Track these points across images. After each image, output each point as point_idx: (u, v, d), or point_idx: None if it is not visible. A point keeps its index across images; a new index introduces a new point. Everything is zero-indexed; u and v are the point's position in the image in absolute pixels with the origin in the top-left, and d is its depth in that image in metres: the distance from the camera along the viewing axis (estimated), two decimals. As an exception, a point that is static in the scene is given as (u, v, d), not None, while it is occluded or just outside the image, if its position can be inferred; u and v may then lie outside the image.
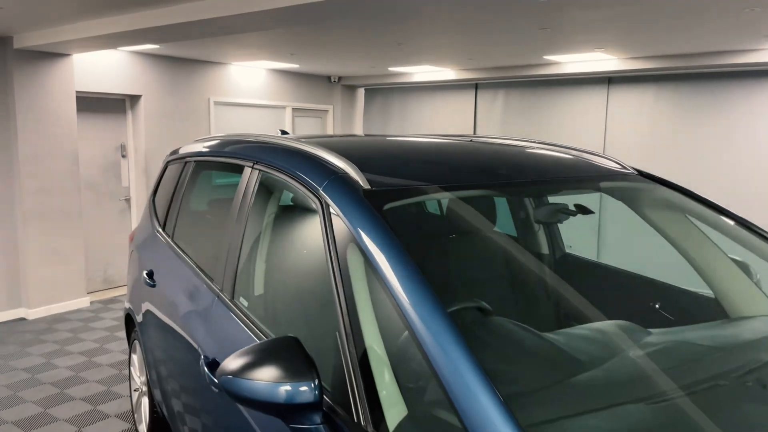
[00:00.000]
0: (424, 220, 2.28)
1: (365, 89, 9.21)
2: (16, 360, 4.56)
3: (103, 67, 6.14)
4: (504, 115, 7.98)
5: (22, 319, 5.57)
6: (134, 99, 6.57)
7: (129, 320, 3.48)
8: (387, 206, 1.64)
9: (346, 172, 1.76)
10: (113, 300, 6.19)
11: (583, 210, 2.28)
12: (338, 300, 1.51)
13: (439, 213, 2.38)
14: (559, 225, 2.83)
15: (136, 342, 3.32)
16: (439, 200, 2.20)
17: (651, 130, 6.94)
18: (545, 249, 2.74)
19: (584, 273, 2.63)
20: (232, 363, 1.40)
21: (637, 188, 2.29)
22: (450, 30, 4.93)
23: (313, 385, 1.35)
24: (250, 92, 7.64)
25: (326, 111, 8.83)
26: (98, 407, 3.81)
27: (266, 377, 1.36)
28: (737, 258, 2.30)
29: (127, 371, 4.34)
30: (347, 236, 1.57)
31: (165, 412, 2.82)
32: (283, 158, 2.02)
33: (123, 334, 5.12)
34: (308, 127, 8.58)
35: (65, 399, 3.91)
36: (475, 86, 8.17)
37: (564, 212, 2.31)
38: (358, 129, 9.24)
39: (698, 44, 5.46)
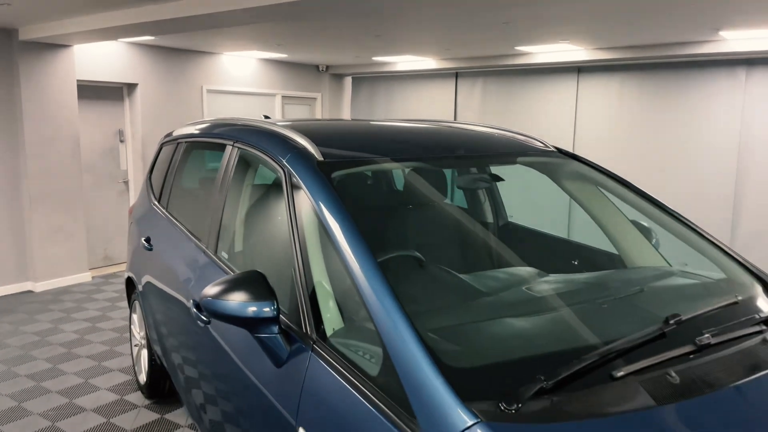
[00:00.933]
0: (369, 186, 2.73)
1: (352, 78, 9.62)
2: (26, 326, 5.02)
3: (102, 58, 6.55)
4: (482, 103, 8.42)
5: (30, 292, 6.02)
6: (131, 87, 6.98)
7: (130, 285, 3.93)
8: (335, 174, 2.08)
9: (305, 147, 2.20)
10: (113, 275, 6.64)
11: (496, 178, 2.73)
12: (295, 247, 1.96)
13: (382, 181, 2.82)
14: (502, 196, 3.30)
15: (136, 302, 3.77)
16: (381, 170, 2.64)
17: (617, 117, 7.40)
18: (488, 216, 3.19)
19: (516, 236, 3.08)
20: (212, 289, 1.85)
21: (557, 163, 2.73)
22: (423, 23, 5.35)
23: (272, 305, 1.80)
24: (241, 81, 8.06)
25: (315, 99, 9.25)
26: (102, 363, 4.27)
27: (237, 299, 1.81)
28: (643, 223, 2.74)
29: (127, 334, 4.79)
30: (304, 198, 2.01)
31: (161, 358, 3.28)
32: (256, 137, 2.46)
33: (124, 304, 5.58)
34: (297, 114, 8.99)
35: (72, 357, 4.37)
36: (456, 75, 8.59)
37: (482, 180, 2.76)
38: (346, 116, 9.66)
39: (658, 35, 5.89)
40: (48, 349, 4.52)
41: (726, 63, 6.64)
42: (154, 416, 3.52)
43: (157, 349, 3.32)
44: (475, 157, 2.55)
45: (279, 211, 2.20)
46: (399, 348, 1.49)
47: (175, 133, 3.63)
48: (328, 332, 1.76)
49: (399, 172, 2.62)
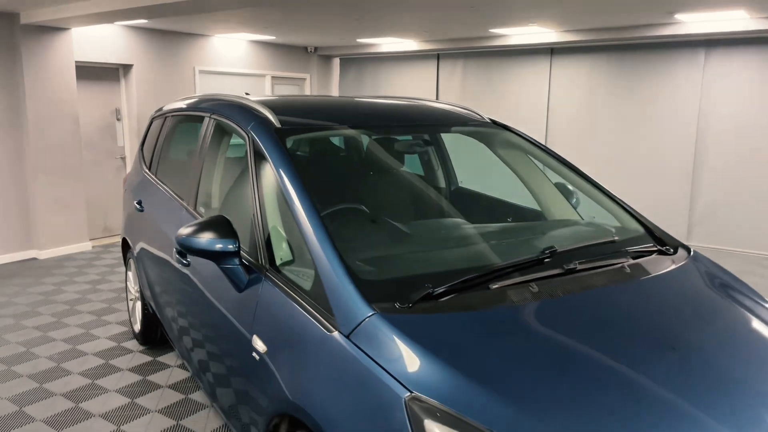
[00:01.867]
0: (321, 149, 3.17)
1: (340, 59, 10.00)
2: (32, 287, 5.49)
3: (99, 40, 6.95)
4: (463, 83, 8.82)
5: (34, 259, 6.49)
6: (127, 68, 7.38)
7: (125, 246, 4.38)
8: (289, 138, 2.52)
9: (266, 117, 2.63)
10: (112, 245, 7.10)
11: (427, 143, 3.18)
12: (255, 198, 2.41)
13: (334, 145, 3.26)
14: (453, 163, 3.74)
15: (131, 260, 4.23)
16: (332, 135, 3.08)
17: (587, 96, 7.81)
18: (440, 181, 3.63)
19: (460, 197, 3.52)
20: (186, 229, 2.30)
21: (491, 132, 3.17)
22: (399, 6, 5.73)
23: (234, 243, 2.24)
24: (232, 62, 8.45)
25: (304, 79, 9.64)
26: (101, 317, 4.74)
27: (206, 237, 2.26)
28: (567, 185, 3.17)
29: (124, 294, 5.26)
30: (263, 158, 2.44)
31: (153, 307, 3.74)
32: (227, 110, 2.90)
33: (122, 269, 6.04)
34: (285, 93, 9.39)
35: (74, 313, 4.85)
36: (437, 56, 8.98)
37: (417, 145, 3.20)
38: (334, 95, 10.05)
39: (620, 19, 6.28)
40: (52, 306, 4.99)
41: (687, 44, 7.03)
42: (147, 359, 3.99)
43: (149, 299, 3.78)
44: (417, 125, 2.99)
45: (244, 170, 2.64)
46: (326, 268, 1.94)
47: (164, 109, 4.06)
48: (278, 262, 2.22)
49: (350, 138, 3.06)
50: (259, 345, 2.11)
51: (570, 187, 3.14)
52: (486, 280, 1.99)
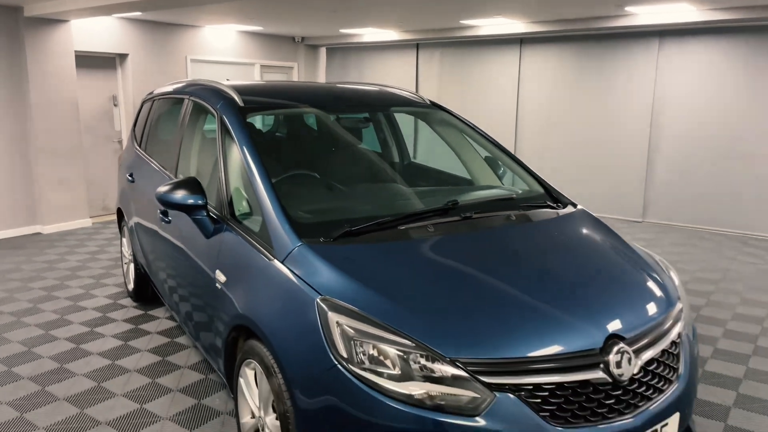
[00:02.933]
0: (283, 126, 3.72)
1: (326, 48, 10.51)
2: (37, 257, 6.06)
3: (97, 31, 7.48)
4: (440, 72, 9.34)
5: (38, 233, 7.06)
6: (123, 57, 7.92)
7: (120, 215, 4.94)
8: (249, 115, 3.07)
9: (232, 98, 3.17)
10: (111, 222, 7.67)
11: (368, 120, 3.73)
12: (221, 164, 2.96)
13: (292, 122, 3.80)
14: (406, 141, 4.28)
15: (124, 228, 4.79)
16: (289, 114, 3.63)
17: (553, 83, 8.34)
18: (394, 155, 4.16)
19: (408, 168, 4.07)
20: (164, 187, 2.85)
21: (429, 112, 3.71)
22: None
23: (202, 198, 2.80)
24: (223, 51, 8.97)
25: (291, 68, 10.16)
26: (100, 281, 5.32)
27: (180, 193, 2.82)
28: (494, 158, 3.71)
29: (120, 262, 5.82)
30: (228, 132, 2.99)
31: (144, 267, 4.31)
32: (202, 92, 3.44)
33: (118, 242, 6.60)
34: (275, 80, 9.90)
35: (75, 277, 5.42)
36: (417, 46, 9.49)
37: (361, 123, 3.75)
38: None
39: (577, 11, 6.78)
40: (55, 272, 5.56)
41: (641, 35, 7.56)
42: (140, 312, 4.57)
43: (141, 260, 4.34)
44: (365, 106, 3.56)
45: (214, 142, 3.19)
46: (270, 214, 2.51)
47: (153, 93, 4.60)
48: (237, 214, 2.78)
49: (306, 115, 3.61)
50: (221, 277, 2.68)
51: (498, 161, 3.68)
52: (395, 223, 2.55)
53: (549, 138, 8.50)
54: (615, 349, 2.03)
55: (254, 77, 9.51)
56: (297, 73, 10.22)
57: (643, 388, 2.09)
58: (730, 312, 4.66)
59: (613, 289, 2.34)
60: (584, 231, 2.84)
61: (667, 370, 2.20)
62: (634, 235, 7.15)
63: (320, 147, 3.57)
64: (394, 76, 9.80)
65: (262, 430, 2.43)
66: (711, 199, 7.38)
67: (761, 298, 4.97)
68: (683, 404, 2.20)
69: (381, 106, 3.72)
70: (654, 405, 2.09)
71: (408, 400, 1.90)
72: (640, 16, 6.93)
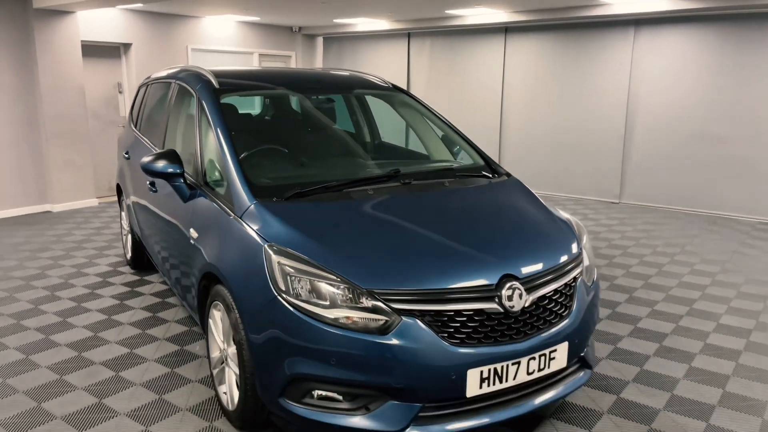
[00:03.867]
0: (254, 106, 4.15)
1: (323, 38, 10.91)
2: (47, 231, 6.57)
3: (102, 21, 7.94)
4: (430, 60, 9.71)
5: (49, 211, 7.57)
6: (126, 46, 8.38)
7: (119, 191, 5.41)
8: (223, 96, 3.50)
9: (209, 80, 3.61)
10: (115, 202, 8.17)
11: (331, 101, 4.15)
12: (197, 138, 3.40)
13: (266, 103, 4.23)
14: (377, 121, 4.69)
15: (123, 202, 5.26)
16: (262, 95, 4.05)
17: (535, 71, 8.70)
18: (365, 135, 4.57)
19: (375, 146, 4.48)
20: (147, 158, 3.30)
21: (392, 94, 4.12)
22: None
23: (179, 167, 3.24)
24: (222, 41, 9.41)
25: (289, 56, 10.58)
26: (103, 252, 5.81)
27: (161, 163, 3.26)
28: (449, 137, 4.11)
29: (122, 239, 6.30)
30: (204, 110, 3.42)
31: (138, 235, 4.77)
32: (185, 75, 3.88)
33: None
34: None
35: (81, 249, 5.91)
36: (408, 35, 9.87)
37: (326, 102, 4.17)
38: (318, 71, 10.98)
39: (561, 0, 7.11)
40: (63, 244, 6.06)
41: (618, 24, 7.89)
42: (136, 278, 5.05)
43: (136, 230, 4.81)
44: (330, 88, 3.99)
45: (193, 120, 3.62)
46: (233, 178, 2.95)
47: (150, 78, 5.05)
48: (208, 180, 3.22)
49: (277, 97, 4.04)
50: (194, 234, 3.13)
51: (453, 139, 4.07)
52: (340, 187, 2.98)
53: (531, 122, 8.86)
54: (507, 285, 2.46)
55: (253, 66, 9.94)
56: (295, 61, 10.64)
57: (534, 320, 2.51)
58: (675, 280, 5.04)
59: (516, 238, 2.77)
60: (507, 195, 3.26)
61: (559, 307, 2.62)
62: (609, 215, 7.52)
63: (288, 124, 4.00)
64: (386, 64, 10.20)
65: (225, 360, 2.88)
66: (683, 181, 7.72)
67: (709, 269, 5.35)
68: (573, 336, 2.62)
69: (346, 89, 4.14)
70: (543, 334, 2.52)
71: (334, 323, 2.33)
72: (616, 5, 7.26)
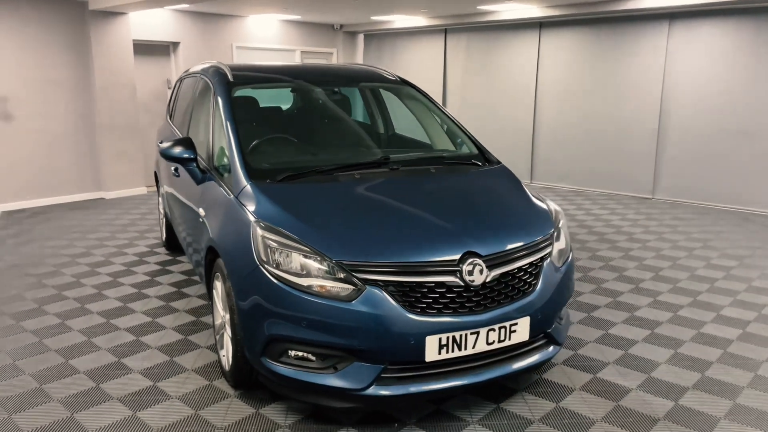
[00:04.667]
0: (265, 98, 4.45)
1: (364, 35, 11.20)
2: (98, 215, 7.13)
3: (152, 22, 8.49)
4: (466, 55, 9.84)
5: (102, 198, 8.19)
6: (175, 45, 8.92)
7: (156, 178, 5.86)
8: (235, 89, 3.81)
9: (225, 74, 3.93)
10: (163, 190, 8.72)
11: (336, 93, 4.40)
12: (211, 128, 3.73)
13: (278, 94, 4.53)
14: (391, 114, 4.93)
15: (160, 188, 5.70)
16: (269, 88, 4.34)
17: (570, 65, 8.70)
18: (379, 126, 4.82)
19: (387, 136, 4.71)
20: (166, 143, 3.66)
21: (400, 87, 4.35)
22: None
23: (193, 153, 3.58)
24: (265, 39, 9.84)
25: (330, 53, 10.92)
26: (144, 234, 6.29)
27: (178, 149, 3.61)
28: (454, 129, 4.30)
29: (159, 222, 6.78)
30: (217, 102, 3.75)
31: (169, 218, 5.18)
32: (209, 70, 4.22)
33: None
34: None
35: (125, 231, 6.41)
36: (445, 32, 10.03)
37: (333, 94, 4.42)
38: (359, 68, 11.28)
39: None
40: (110, 227, 6.59)
41: (653, 17, 7.81)
42: (169, 258, 5.47)
43: (169, 213, 5.22)
44: (339, 81, 4.26)
45: (209, 111, 3.96)
46: (235, 164, 3.25)
47: (183, 73, 5.46)
48: (217, 165, 3.54)
49: (289, 90, 4.34)
50: (202, 212, 3.46)
51: (452, 130, 4.23)
52: (330, 171, 3.24)
53: (565, 117, 8.87)
54: (468, 261, 2.65)
55: (293, 62, 10.33)
56: (336, 58, 10.97)
57: (495, 294, 2.70)
58: (687, 273, 5.05)
59: (486, 219, 2.95)
60: (489, 180, 3.44)
61: (522, 284, 2.79)
62: (638, 210, 7.48)
63: (299, 115, 4.29)
64: (423, 60, 10.39)
65: (224, 326, 3.19)
66: (718, 177, 7.58)
67: (726, 263, 5.31)
68: (535, 312, 2.79)
69: (355, 81, 4.40)
70: (503, 308, 2.70)
71: (307, 290, 2.60)
72: (648, -2, 7.21)
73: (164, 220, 5.58)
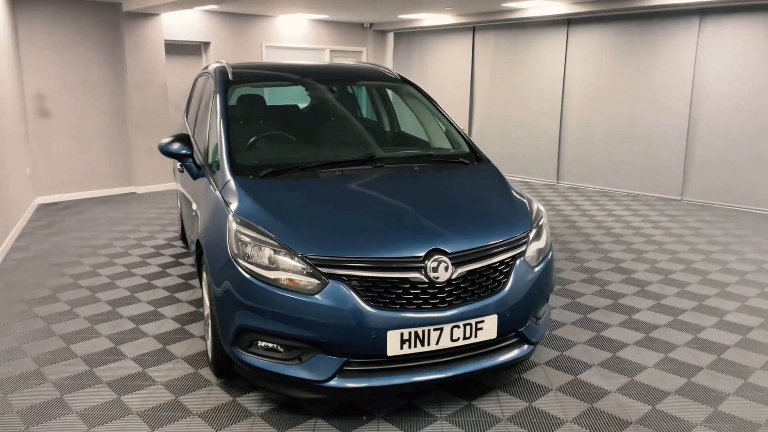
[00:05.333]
0: (264, 96, 4.55)
1: (394, 33, 11.24)
2: (126, 208, 7.43)
3: (184, 22, 8.76)
4: (494, 53, 9.76)
5: (134, 192, 8.51)
6: (206, 44, 9.17)
7: (175, 174, 6.05)
8: (232, 87, 3.92)
9: (226, 73, 4.06)
10: (192, 186, 9.00)
11: (345, 90, 4.44)
12: (210, 125, 3.86)
13: (277, 94, 4.62)
14: (397, 113, 4.97)
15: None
16: (267, 86, 4.44)
17: (598, 62, 8.52)
18: (385, 124, 4.86)
19: (389, 135, 4.74)
20: (164, 140, 3.80)
21: (400, 86, 4.38)
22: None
23: (189, 149, 3.71)
24: (294, 38, 10.01)
25: (360, 52, 11.01)
26: (165, 227, 6.52)
27: (176, 145, 3.75)
28: (454, 128, 4.31)
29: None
30: (215, 98, 3.87)
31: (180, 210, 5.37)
32: (215, 69, 4.35)
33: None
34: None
35: (148, 224, 6.66)
36: (473, 30, 9.97)
37: (331, 91, 4.47)
38: (388, 67, 11.33)
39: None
40: (135, 219, 6.86)
41: (683, 13, 7.57)
42: (183, 251, 5.67)
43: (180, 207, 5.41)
44: (339, 80, 4.32)
45: (209, 108, 4.09)
46: (222, 159, 3.36)
47: (198, 73, 5.63)
48: (211, 161, 3.66)
49: (288, 88, 4.43)
50: (194, 206, 3.59)
51: (447, 128, 4.23)
52: (314, 167, 3.31)
53: (592, 116, 8.70)
54: (432, 257, 2.68)
55: (324, 62, 10.45)
56: (365, 57, 11.06)
57: (461, 291, 2.71)
58: (699, 277, 4.90)
59: (457, 217, 2.96)
60: (472, 179, 3.44)
61: (491, 282, 2.79)
62: (664, 212, 7.27)
63: (299, 113, 4.38)
64: (451, 59, 10.35)
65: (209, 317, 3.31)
66: (748, 178, 7.30)
67: (743, 267, 5.13)
68: (504, 311, 2.78)
69: (355, 80, 4.45)
70: (469, 305, 2.71)
71: (274, 283, 2.67)
72: (676, -6, 7.00)
73: (179, 213, 5.78)
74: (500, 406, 2.98)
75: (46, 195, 7.88)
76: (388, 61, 11.34)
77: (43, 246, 5.83)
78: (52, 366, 3.40)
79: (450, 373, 2.74)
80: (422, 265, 2.67)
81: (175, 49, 8.98)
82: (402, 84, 4.37)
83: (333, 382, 2.65)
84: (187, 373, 3.32)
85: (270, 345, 2.74)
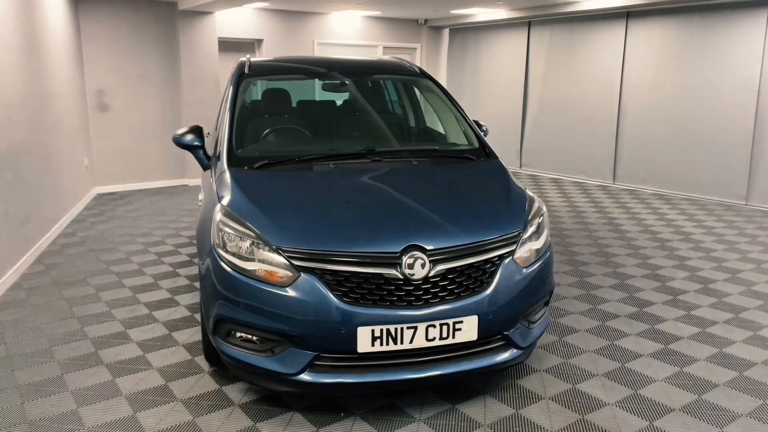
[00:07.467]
0: (282, 89, 4.56)
1: (450, 29, 11.08)
2: (174, 199, 7.70)
3: (237, 21, 8.99)
4: (549, 47, 9.43)
5: (186, 185, 8.82)
6: (259, 42, 9.37)
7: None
8: (244, 80, 3.96)
9: (243, 65, 4.11)
10: (242, 180, 9.23)
11: (344, 84, 4.39)
12: (221, 117, 3.92)
13: (294, 88, 4.62)
14: (423, 109, 4.88)
15: (214, 176, 6.05)
16: (282, 80, 4.44)
17: (658, 56, 8.06)
18: (410, 119, 4.79)
19: (419, 131, 4.63)
20: (178, 132, 3.89)
21: (419, 79, 4.30)
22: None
23: (200, 140, 3.78)
24: (347, 35, 10.06)
25: (414, 49, 10.93)
26: (204, 219, 6.71)
27: (188, 137, 3.83)
28: (475, 123, 4.19)
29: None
30: (227, 90, 3.93)
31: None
32: (238, 63, 4.42)
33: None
34: (398, 61, 10.75)
35: (191, 215, 6.88)
36: (528, 24, 9.67)
37: (342, 84, 4.41)
38: (443, 64, 11.19)
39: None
40: (177, 211, 7.10)
41: (750, 4, 7.03)
42: (215, 242, 5.81)
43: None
44: (357, 74, 4.28)
45: (222, 100, 4.15)
46: (222, 151, 3.40)
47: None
48: (217, 152, 3.72)
49: (304, 82, 4.43)
50: (200, 196, 3.66)
51: (460, 123, 4.10)
52: (309, 160, 3.29)
53: (651, 114, 8.23)
54: (408, 254, 2.59)
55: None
56: (420, 54, 10.96)
57: (439, 290, 2.61)
58: (741, 288, 4.53)
59: (443, 214, 2.84)
60: (473, 175, 3.32)
61: (472, 281, 2.67)
62: (721, 217, 6.79)
63: (312, 107, 4.38)
64: (506, 55, 10.08)
65: (205, 305, 3.35)
66: (823, 184, 6.69)
67: (759, 279, 4.70)
68: (485, 312, 2.66)
69: (371, 73, 4.40)
70: (447, 305, 2.61)
71: (249, 274, 2.67)
72: (740, -17, 6.51)
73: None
74: (484, 411, 2.85)
75: (105, 185, 8.30)
76: (442, 58, 11.19)
77: (89, 233, 6.14)
78: (62, 346, 3.56)
79: (426, 374, 2.65)
80: (398, 261, 2.59)
81: (229, 46, 9.23)
82: (421, 78, 4.28)
83: (303, 376, 2.62)
84: (182, 360, 3.38)
85: (247, 336, 2.74)
